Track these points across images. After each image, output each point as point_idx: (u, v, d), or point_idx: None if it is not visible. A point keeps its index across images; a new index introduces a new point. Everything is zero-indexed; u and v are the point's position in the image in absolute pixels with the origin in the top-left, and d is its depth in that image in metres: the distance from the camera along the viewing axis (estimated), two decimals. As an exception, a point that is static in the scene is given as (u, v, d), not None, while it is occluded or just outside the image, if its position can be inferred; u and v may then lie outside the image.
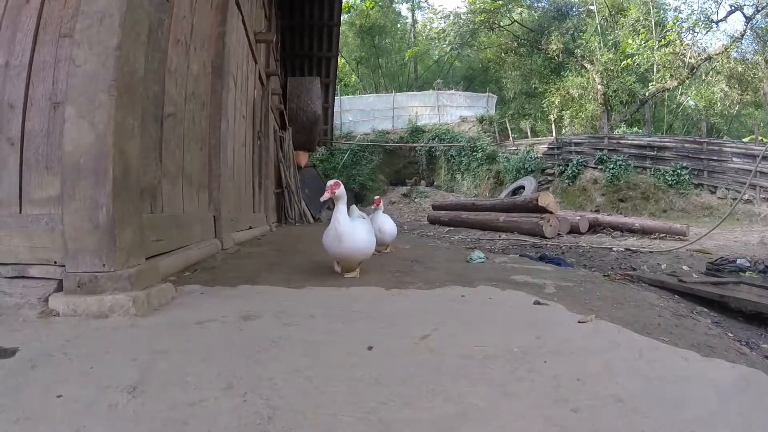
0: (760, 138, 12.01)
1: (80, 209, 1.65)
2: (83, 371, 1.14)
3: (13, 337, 1.37)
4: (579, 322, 1.65)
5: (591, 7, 18.12)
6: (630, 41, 16.38)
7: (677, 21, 16.94)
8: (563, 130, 17.83)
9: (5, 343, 1.31)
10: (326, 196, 2.34)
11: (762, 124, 14.91)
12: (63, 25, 1.85)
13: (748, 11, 14.91)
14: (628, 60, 16.21)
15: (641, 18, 16.94)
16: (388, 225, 3.48)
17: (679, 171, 11.78)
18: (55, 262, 1.72)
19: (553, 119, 17.67)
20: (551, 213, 7.49)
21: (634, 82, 16.46)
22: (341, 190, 2.39)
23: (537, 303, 1.92)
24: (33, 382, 1.08)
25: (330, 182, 2.37)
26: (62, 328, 1.46)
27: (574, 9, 19.48)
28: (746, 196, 9.94)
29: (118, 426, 0.90)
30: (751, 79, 15.85)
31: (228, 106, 3.83)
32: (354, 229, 2.38)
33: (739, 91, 16.22)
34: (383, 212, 3.53)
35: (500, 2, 19.21)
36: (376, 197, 3.65)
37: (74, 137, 1.66)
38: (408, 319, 1.68)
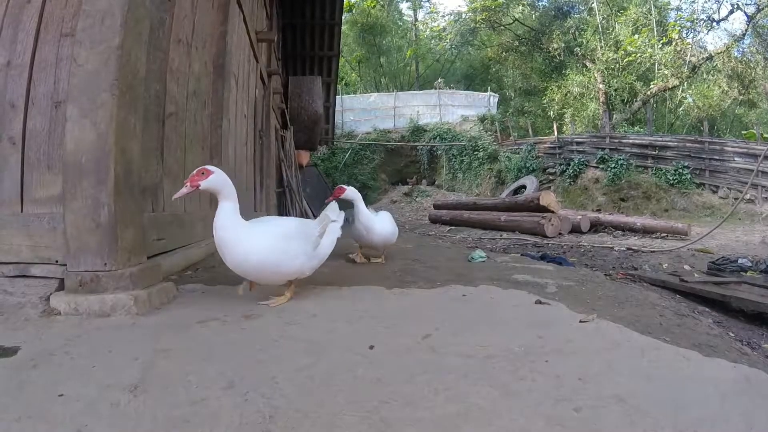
0: (761, 134, 11.95)
1: (82, 208, 1.65)
2: (85, 370, 1.15)
3: (14, 336, 1.38)
4: (580, 321, 1.65)
5: (592, 5, 18.08)
6: (635, 36, 16.33)
7: (679, 19, 16.92)
8: (564, 128, 17.79)
9: (7, 342, 1.31)
10: (183, 191, 1.67)
11: (758, 123, 14.87)
12: (64, 24, 1.85)
13: (749, 10, 14.87)
14: (630, 57, 16.16)
15: (641, 17, 16.91)
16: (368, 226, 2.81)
17: (680, 170, 11.75)
18: (57, 261, 1.73)
19: (553, 116, 17.63)
20: (553, 212, 7.48)
21: (634, 80, 16.42)
22: (212, 180, 1.68)
23: (538, 302, 1.92)
24: (34, 381, 1.08)
25: (193, 172, 1.68)
26: (64, 327, 1.46)
27: (575, 8, 19.46)
28: (748, 196, 9.91)
29: (120, 425, 0.90)
30: (751, 78, 15.81)
31: (229, 106, 3.83)
32: (243, 237, 1.74)
33: (739, 89, 16.19)
34: (363, 207, 2.89)
35: (501, 0, 19.19)
36: (339, 186, 2.88)
37: (76, 136, 1.66)
38: (409, 318, 1.68)
